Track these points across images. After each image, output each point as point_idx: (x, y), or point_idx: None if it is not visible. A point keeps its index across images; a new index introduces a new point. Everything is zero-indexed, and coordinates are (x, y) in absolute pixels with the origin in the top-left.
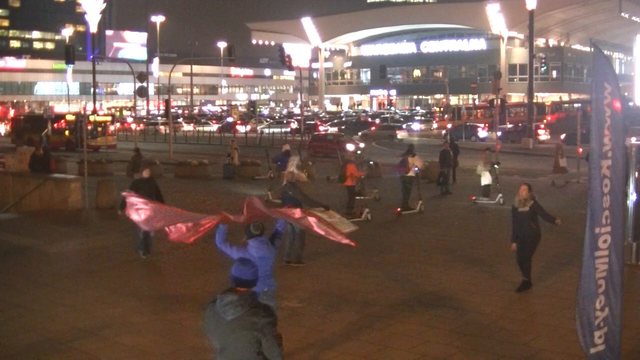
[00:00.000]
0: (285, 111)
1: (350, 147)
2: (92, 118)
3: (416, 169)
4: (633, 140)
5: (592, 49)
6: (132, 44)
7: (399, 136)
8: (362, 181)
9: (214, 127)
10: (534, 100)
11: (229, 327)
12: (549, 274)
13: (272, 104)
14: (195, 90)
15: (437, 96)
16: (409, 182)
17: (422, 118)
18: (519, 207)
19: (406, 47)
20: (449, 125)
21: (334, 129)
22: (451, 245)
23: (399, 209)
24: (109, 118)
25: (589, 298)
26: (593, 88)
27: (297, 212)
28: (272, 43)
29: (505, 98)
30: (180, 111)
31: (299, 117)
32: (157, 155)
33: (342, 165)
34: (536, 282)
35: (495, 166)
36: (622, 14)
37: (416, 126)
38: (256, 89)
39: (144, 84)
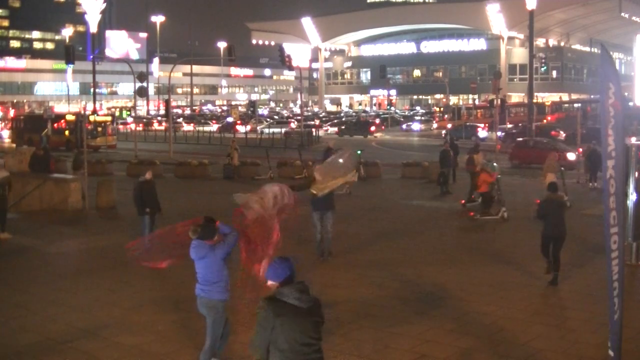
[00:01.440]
0: (285, 112)
1: (571, 156)
2: (92, 118)
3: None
4: (633, 140)
5: (600, 50)
6: (132, 44)
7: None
8: (495, 184)
9: (214, 127)
10: (534, 100)
11: (307, 314)
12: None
13: (272, 104)
14: (195, 90)
15: (437, 96)
16: (475, 177)
17: (422, 118)
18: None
19: (406, 47)
20: (449, 125)
21: (334, 129)
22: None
23: (463, 201)
24: (109, 118)
25: (610, 301)
26: (601, 89)
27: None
28: (272, 43)
29: (505, 98)
30: (180, 111)
31: (298, 117)
32: (157, 155)
33: (475, 174)
34: (536, 282)
35: (562, 169)
36: (622, 14)
37: (416, 126)
38: (256, 89)
39: (144, 84)
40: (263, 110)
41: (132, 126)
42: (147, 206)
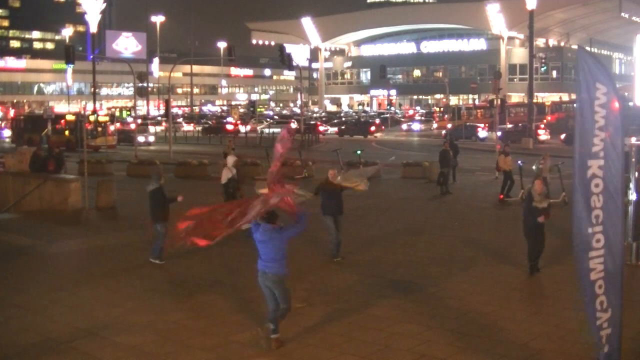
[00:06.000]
0: (285, 112)
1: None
2: (92, 118)
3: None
4: (633, 140)
5: (578, 51)
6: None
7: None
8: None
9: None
10: (534, 100)
11: None
12: (549, 274)
13: (272, 104)
14: (195, 90)
15: (437, 96)
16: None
17: (422, 118)
18: (537, 203)
19: (406, 47)
20: (449, 125)
21: (334, 129)
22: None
23: (501, 196)
24: (107, 118)
25: (589, 299)
26: (579, 88)
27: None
28: (272, 43)
29: (505, 98)
30: (180, 111)
31: (298, 117)
32: (157, 155)
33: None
34: (536, 282)
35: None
36: (622, 14)
37: (416, 126)
38: (256, 89)
39: (144, 84)
40: (266, 111)
41: (132, 126)
42: (167, 212)
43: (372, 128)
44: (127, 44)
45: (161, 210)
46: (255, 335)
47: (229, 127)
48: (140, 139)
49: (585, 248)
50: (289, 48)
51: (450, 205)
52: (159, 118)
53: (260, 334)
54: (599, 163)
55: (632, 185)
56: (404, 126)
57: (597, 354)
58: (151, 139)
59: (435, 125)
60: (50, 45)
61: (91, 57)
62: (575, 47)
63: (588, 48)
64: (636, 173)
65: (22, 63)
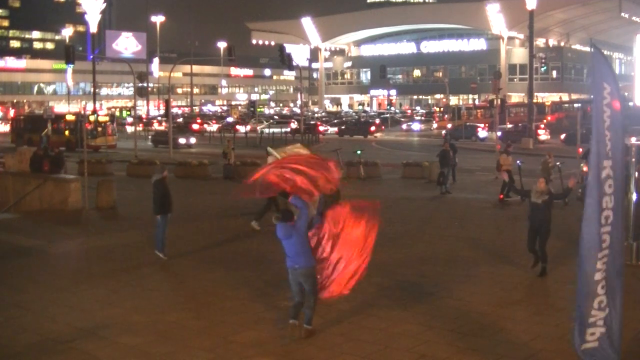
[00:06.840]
0: (285, 111)
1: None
2: (92, 118)
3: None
4: (633, 140)
5: (592, 50)
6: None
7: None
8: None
9: (214, 127)
10: (534, 100)
11: None
12: (549, 274)
13: (272, 104)
14: (195, 90)
15: (437, 96)
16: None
17: (423, 118)
18: (534, 198)
19: (406, 47)
20: (449, 125)
21: (334, 129)
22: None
23: (501, 196)
24: (107, 118)
25: (587, 296)
26: (593, 88)
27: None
28: (272, 43)
29: (505, 98)
30: (180, 111)
31: (297, 117)
32: (157, 155)
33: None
34: (536, 282)
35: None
36: (622, 14)
37: (416, 126)
38: (256, 89)
39: (144, 84)
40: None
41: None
42: (168, 204)
43: (372, 128)
44: (127, 44)
45: (161, 202)
46: (291, 332)
47: (195, 126)
48: (181, 140)
49: (594, 249)
50: (289, 48)
51: (450, 205)
52: (155, 119)
53: (295, 331)
54: (610, 163)
55: (632, 185)
56: (404, 126)
57: (577, 349)
58: (192, 140)
59: (435, 125)
60: (50, 45)
61: (91, 57)
62: (575, 47)
63: (588, 48)
64: (636, 173)
65: (22, 63)
